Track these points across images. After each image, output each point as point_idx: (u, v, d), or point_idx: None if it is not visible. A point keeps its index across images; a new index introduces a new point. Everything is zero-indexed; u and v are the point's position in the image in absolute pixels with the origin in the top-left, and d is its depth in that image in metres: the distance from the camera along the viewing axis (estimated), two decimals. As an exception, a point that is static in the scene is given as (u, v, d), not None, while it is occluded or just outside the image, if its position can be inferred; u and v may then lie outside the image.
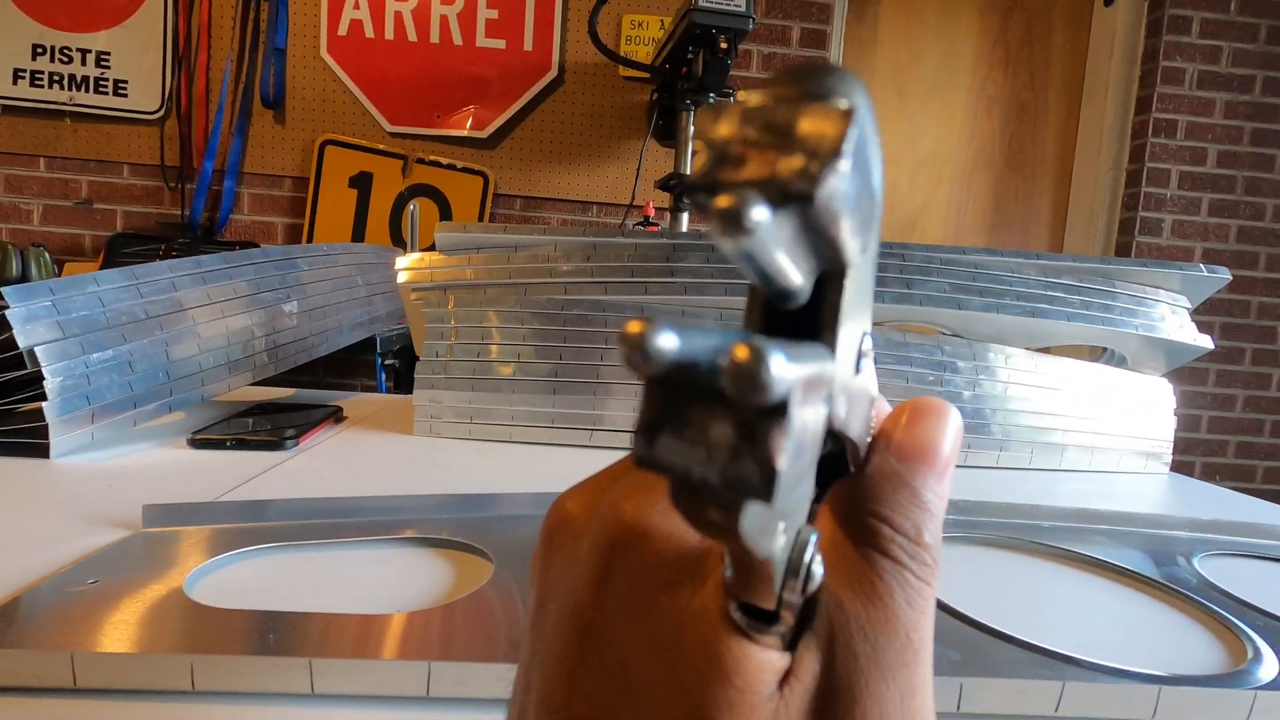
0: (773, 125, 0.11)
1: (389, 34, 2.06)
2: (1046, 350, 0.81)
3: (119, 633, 0.30)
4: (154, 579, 0.35)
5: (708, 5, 1.42)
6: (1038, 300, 0.76)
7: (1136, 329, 0.77)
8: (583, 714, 0.13)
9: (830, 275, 0.13)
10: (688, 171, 1.68)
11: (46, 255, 1.90)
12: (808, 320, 0.13)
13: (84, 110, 2.00)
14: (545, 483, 0.58)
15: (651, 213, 1.79)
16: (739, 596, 0.13)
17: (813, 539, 0.13)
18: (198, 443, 0.64)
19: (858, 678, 0.13)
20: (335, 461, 0.63)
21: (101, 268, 1.75)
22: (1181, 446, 2.26)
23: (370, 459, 0.65)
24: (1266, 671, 0.33)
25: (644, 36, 2.08)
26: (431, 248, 0.79)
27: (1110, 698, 0.30)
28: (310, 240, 2.07)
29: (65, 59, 1.98)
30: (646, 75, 1.92)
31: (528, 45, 2.08)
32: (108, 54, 1.99)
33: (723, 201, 0.10)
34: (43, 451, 0.59)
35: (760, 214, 0.10)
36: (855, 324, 0.13)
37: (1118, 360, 0.84)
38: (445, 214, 2.09)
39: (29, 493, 0.51)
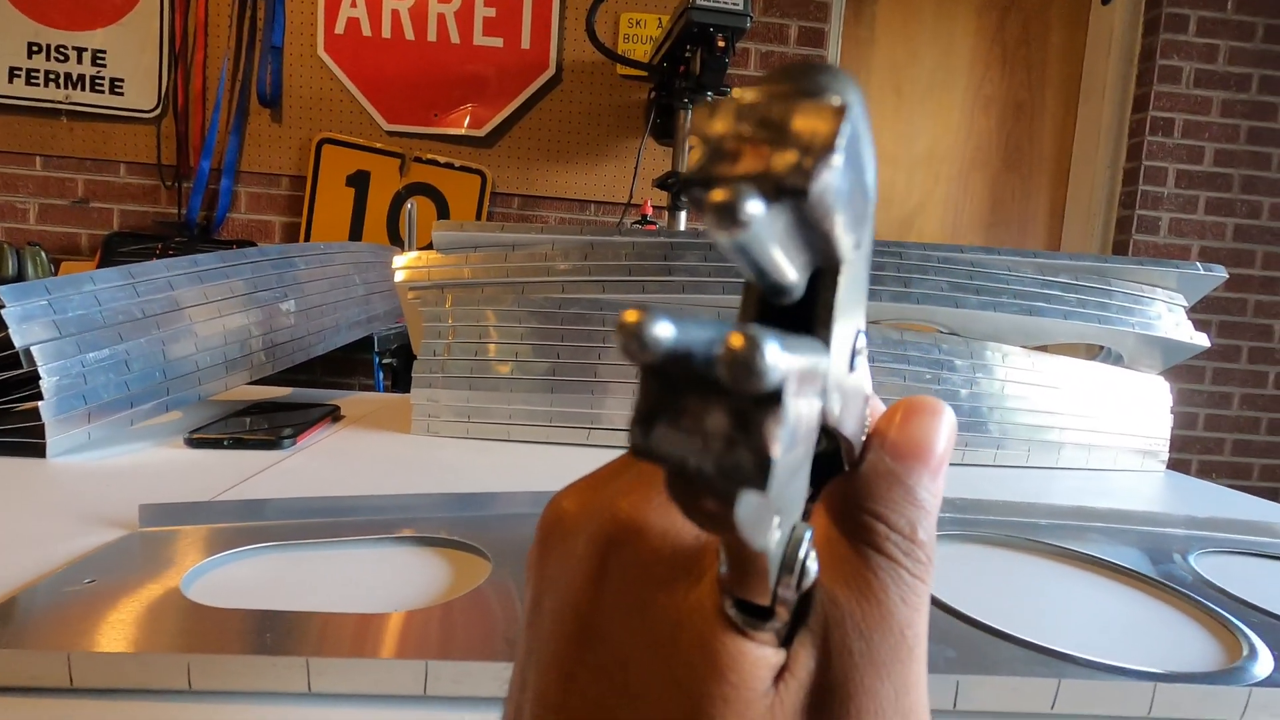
0: (767, 121, 0.11)
1: (386, 32, 2.05)
2: (1043, 348, 0.81)
3: (116, 632, 0.30)
4: (151, 578, 0.35)
5: (705, 3, 1.42)
6: (1035, 299, 0.77)
7: (1133, 327, 0.78)
8: (579, 711, 0.13)
9: (824, 272, 0.13)
10: (685, 169, 1.68)
11: (43, 254, 1.90)
12: (802, 316, 0.13)
13: (80, 109, 2.00)
14: (543, 481, 0.58)
15: (649, 211, 1.79)
16: (734, 593, 0.13)
17: (807, 535, 0.13)
18: (195, 442, 0.64)
19: (852, 674, 0.13)
20: (333, 461, 0.63)
21: (98, 267, 1.75)
22: (1178, 444, 2.26)
23: (368, 458, 0.65)
24: (1262, 668, 0.33)
25: (641, 35, 2.08)
26: (429, 246, 0.79)
27: (1106, 695, 0.30)
28: (308, 239, 2.06)
29: (61, 57, 1.98)
30: (644, 74, 1.92)
31: (525, 43, 2.08)
32: (104, 52, 1.99)
33: (718, 195, 0.10)
34: (39, 451, 0.58)
35: (755, 208, 0.10)
36: (849, 320, 0.13)
37: (1114, 358, 0.84)
38: (443, 213, 2.09)
39: (25, 492, 0.51)
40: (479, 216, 2.09)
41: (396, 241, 2.06)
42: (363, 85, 2.06)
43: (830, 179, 0.10)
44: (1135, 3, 2.25)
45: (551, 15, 2.07)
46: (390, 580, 0.38)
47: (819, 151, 0.10)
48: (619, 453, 0.16)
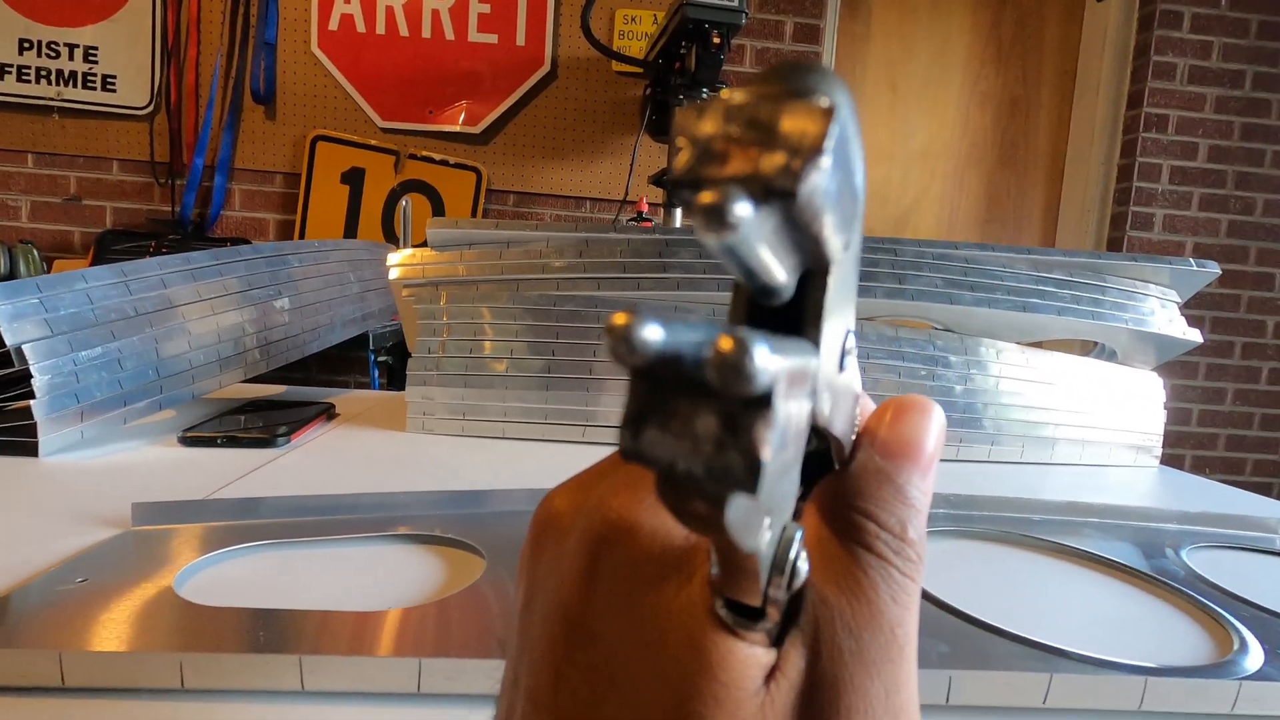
0: (755, 122, 0.11)
1: (380, 28, 2.05)
2: (1038, 344, 0.81)
3: (108, 631, 0.30)
4: (144, 577, 0.35)
5: (700, 0, 1.41)
6: (1029, 295, 0.77)
7: (1127, 323, 0.78)
8: (570, 709, 0.13)
9: (813, 273, 0.13)
10: (673, 170, 1.68)
11: (35, 252, 1.89)
12: (791, 317, 0.13)
13: (72, 105, 1.98)
14: (538, 479, 0.58)
15: (645, 208, 1.79)
16: (725, 593, 0.13)
17: (798, 535, 0.13)
18: (188, 440, 0.64)
19: (843, 673, 0.13)
20: (327, 459, 0.63)
21: (91, 265, 1.74)
22: (1172, 440, 2.27)
23: (362, 456, 0.65)
24: (1252, 661, 0.33)
25: (637, 31, 2.08)
26: (424, 244, 0.79)
27: (1097, 689, 0.30)
28: (302, 236, 2.06)
29: (52, 54, 1.96)
30: (639, 70, 1.92)
31: (520, 40, 2.07)
32: (95, 48, 1.98)
33: (706, 197, 0.10)
34: (31, 450, 0.58)
35: (743, 209, 0.10)
36: (839, 321, 0.13)
37: (1108, 354, 0.85)
38: (438, 210, 2.09)
39: (17, 491, 0.50)
40: (474, 214, 2.09)
41: (391, 239, 2.05)
42: (357, 82, 2.05)
43: (819, 180, 0.10)
44: (1130, -1, 2.26)
45: (546, 11, 2.06)
46: (384, 578, 0.38)
47: (807, 153, 0.10)
48: (613, 450, 0.16)
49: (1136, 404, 0.80)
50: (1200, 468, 2.31)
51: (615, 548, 0.14)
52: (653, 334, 0.10)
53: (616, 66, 2.06)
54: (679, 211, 1.68)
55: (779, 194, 0.10)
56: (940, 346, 0.77)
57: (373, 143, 2.06)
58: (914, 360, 0.76)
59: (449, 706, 0.28)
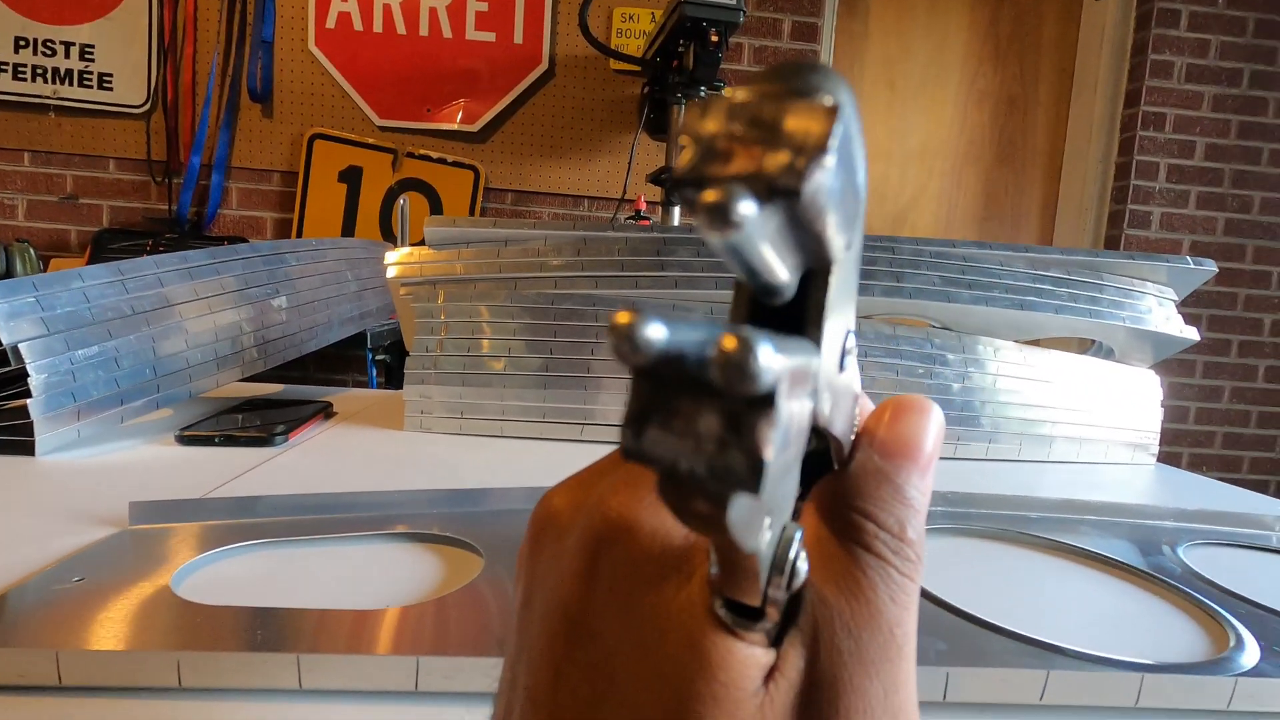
0: (759, 121, 0.11)
1: (378, 27, 2.04)
2: (1035, 343, 0.82)
3: (104, 630, 0.30)
4: (141, 576, 0.35)
5: (698, -2, 1.41)
6: (1026, 293, 0.77)
7: (1124, 321, 0.78)
8: (568, 708, 0.13)
9: (815, 272, 0.13)
10: (677, 169, 1.68)
11: (31, 251, 1.88)
12: (793, 317, 0.13)
13: (68, 104, 1.98)
14: (536, 477, 0.58)
15: (643, 206, 1.79)
16: (724, 593, 0.13)
17: (798, 536, 0.13)
18: (186, 439, 0.64)
19: (841, 673, 0.13)
20: (325, 457, 0.63)
21: (88, 264, 1.73)
22: (1169, 438, 2.28)
23: (360, 454, 0.65)
24: (1248, 658, 0.33)
25: (635, 29, 2.07)
26: (421, 242, 0.79)
27: (1094, 686, 0.30)
28: (299, 235, 2.05)
29: (49, 52, 1.96)
30: (637, 68, 1.92)
31: (518, 38, 2.07)
32: (92, 47, 1.97)
33: (710, 196, 0.10)
34: (28, 449, 0.58)
35: (747, 208, 0.10)
36: (839, 320, 0.13)
37: (1105, 352, 0.85)
38: (436, 208, 2.08)
39: (14, 491, 0.50)
40: (472, 212, 2.09)
41: (389, 237, 2.05)
42: (354, 80, 2.05)
43: (823, 180, 0.10)
44: (1127, -3, 2.26)
45: (544, 10, 2.06)
46: (382, 576, 0.38)
47: (811, 152, 0.10)
48: (612, 448, 0.16)
49: (1134, 402, 0.80)
50: (1197, 465, 2.31)
51: (615, 546, 0.14)
52: (656, 333, 0.10)
53: (614, 65, 2.06)
54: (677, 210, 1.68)
55: (783, 193, 0.10)
56: (938, 345, 0.77)
57: (370, 141, 2.06)
58: (912, 358, 0.76)
59: (447, 705, 0.28)
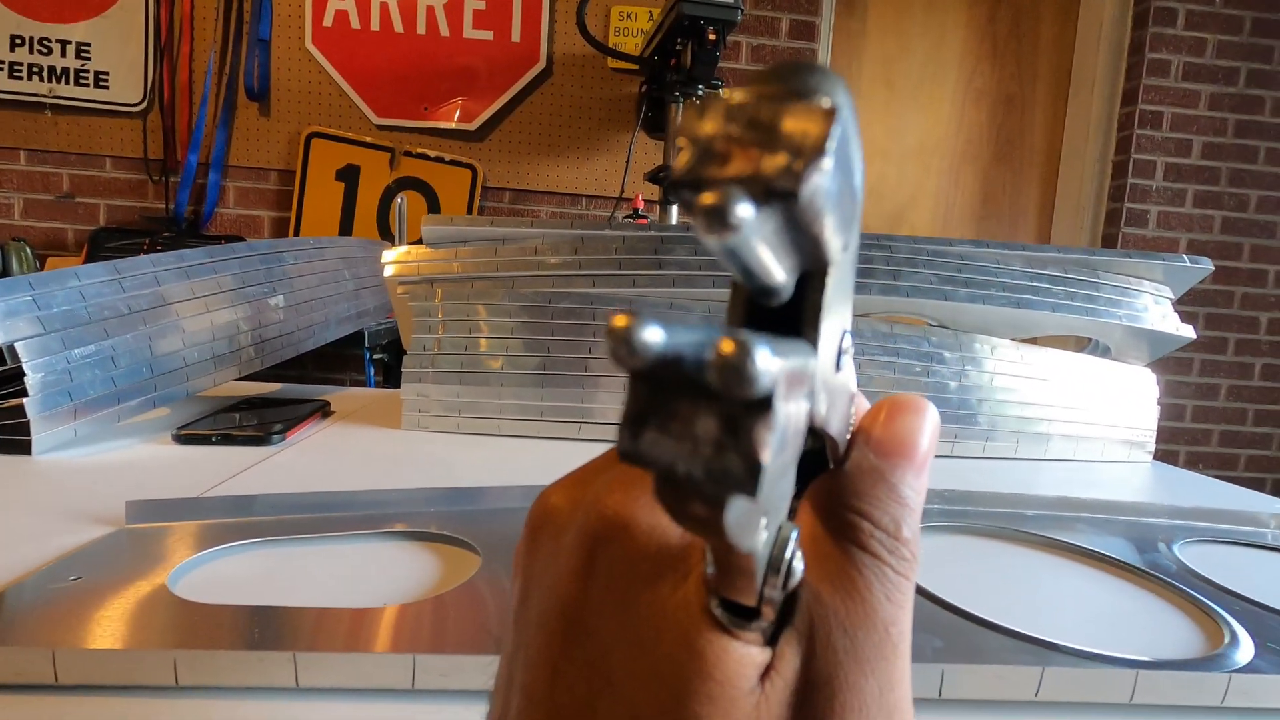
0: (756, 123, 0.11)
1: (375, 25, 2.04)
2: (1032, 341, 0.82)
3: (101, 629, 0.30)
4: (138, 575, 0.35)
5: (696, -4, 1.41)
6: (1023, 291, 0.77)
7: (1120, 319, 0.78)
8: (565, 706, 0.13)
9: (812, 273, 0.13)
10: (674, 170, 1.68)
11: (28, 250, 1.88)
12: (789, 318, 0.13)
13: (64, 102, 1.97)
14: (533, 476, 0.58)
15: (640, 205, 1.79)
16: (720, 592, 0.13)
17: (794, 535, 0.13)
18: (183, 438, 0.64)
19: (837, 672, 0.13)
20: (322, 456, 0.63)
21: (84, 262, 1.73)
22: (1166, 436, 2.28)
23: (358, 453, 0.64)
24: (1243, 655, 0.33)
25: (632, 28, 2.07)
26: (419, 241, 0.79)
27: (1089, 682, 0.31)
28: (297, 234, 2.05)
29: (44, 50, 1.95)
30: (635, 67, 1.91)
31: (515, 37, 2.06)
32: (88, 45, 1.96)
33: (708, 198, 0.10)
34: (25, 448, 0.58)
35: (745, 210, 0.10)
36: (836, 321, 0.13)
37: (1102, 350, 0.85)
38: (433, 207, 2.08)
39: (11, 490, 0.50)
40: (470, 211, 2.08)
41: (387, 236, 2.05)
42: (352, 78, 2.04)
43: (820, 182, 0.10)
44: (1124, -4, 2.26)
45: (542, 8, 2.06)
46: (379, 575, 0.38)
47: (809, 154, 0.10)
48: (609, 446, 0.16)
49: (1130, 400, 0.80)
50: (1194, 463, 2.32)
51: (612, 545, 0.14)
52: (653, 336, 0.10)
53: (612, 63, 2.06)
54: (674, 208, 1.68)
55: (780, 195, 0.10)
56: (935, 343, 0.77)
57: (368, 140, 2.06)
58: (909, 357, 0.76)
59: (444, 703, 0.28)
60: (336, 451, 0.65)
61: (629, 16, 2.07)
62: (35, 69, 1.95)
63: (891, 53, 2.32)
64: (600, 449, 0.16)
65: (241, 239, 2.03)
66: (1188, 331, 0.80)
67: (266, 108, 2.04)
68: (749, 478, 0.10)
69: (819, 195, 0.10)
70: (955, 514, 0.53)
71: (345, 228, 2.07)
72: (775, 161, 0.10)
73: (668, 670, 0.12)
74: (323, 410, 0.78)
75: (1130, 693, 0.31)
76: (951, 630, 0.34)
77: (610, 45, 2.02)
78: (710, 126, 0.11)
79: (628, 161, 1.80)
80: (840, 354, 0.14)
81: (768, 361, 0.09)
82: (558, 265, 0.75)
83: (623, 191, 1.87)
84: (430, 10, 2.04)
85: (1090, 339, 0.85)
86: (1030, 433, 0.77)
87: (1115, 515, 0.55)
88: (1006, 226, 2.41)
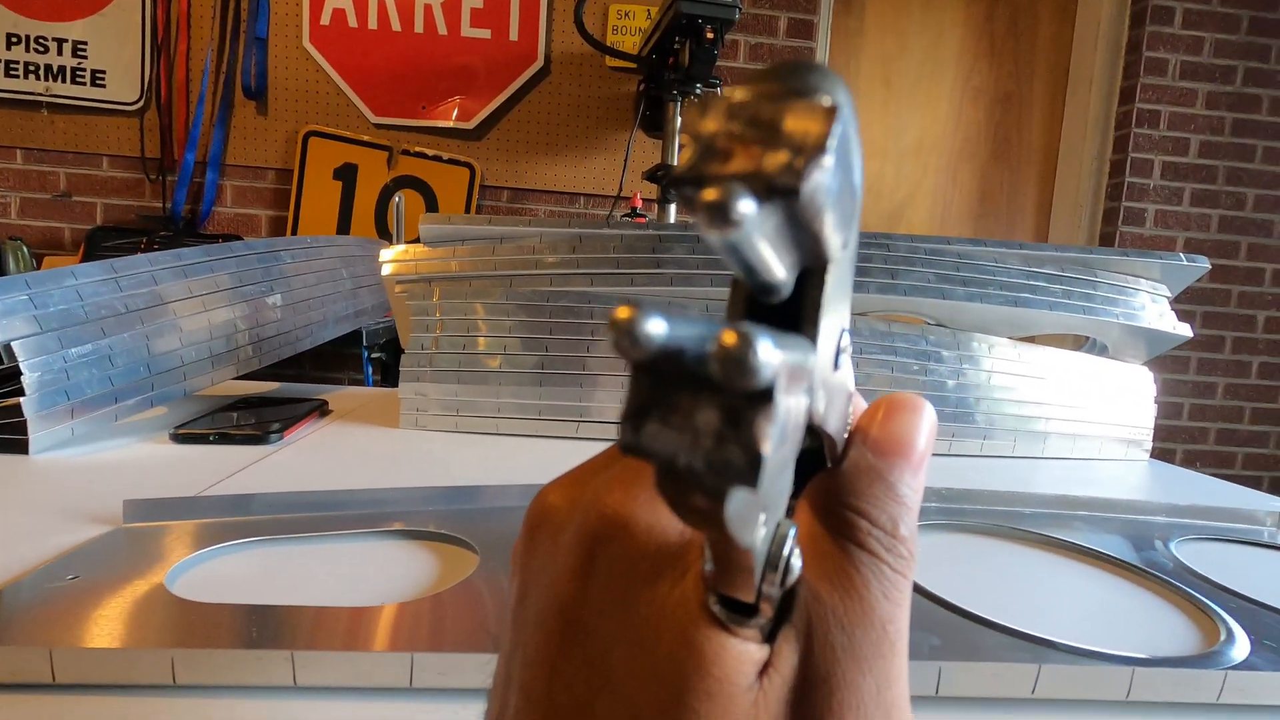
0: (758, 120, 0.11)
1: (372, 23, 2.03)
2: (1030, 339, 0.82)
3: (99, 628, 0.30)
4: (135, 574, 0.35)
5: (694, -5, 1.41)
6: (1021, 290, 0.77)
7: (1118, 318, 0.78)
8: (564, 704, 0.13)
9: (811, 270, 0.13)
10: (675, 163, 1.68)
11: (24, 249, 1.87)
12: (789, 315, 0.13)
13: (61, 101, 1.97)
14: (532, 474, 0.58)
15: (639, 204, 1.79)
16: (719, 589, 0.13)
17: (792, 532, 0.13)
18: (180, 437, 0.64)
19: (835, 669, 0.13)
20: (320, 455, 0.63)
21: (81, 262, 1.72)
22: (1163, 434, 2.29)
23: (356, 452, 0.64)
24: (1239, 652, 0.33)
25: (630, 27, 2.07)
26: (417, 240, 0.79)
27: (1085, 679, 0.31)
28: (294, 233, 2.05)
29: (41, 48, 1.95)
30: (633, 66, 1.91)
31: (513, 35, 2.06)
32: (84, 43, 1.96)
33: (709, 195, 0.10)
34: (22, 448, 0.58)
35: (746, 207, 0.10)
36: (835, 319, 0.13)
37: (1099, 349, 0.85)
38: (431, 206, 2.08)
39: (8, 489, 0.50)
40: (468, 210, 2.08)
41: (385, 235, 2.04)
42: (349, 77, 2.04)
43: (821, 179, 0.10)
44: (1122, -5, 2.26)
45: (539, 6, 2.05)
46: (377, 574, 0.38)
47: (810, 152, 0.10)
48: (607, 445, 0.16)
49: (1127, 398, 0.80)
50: (1191, 462, 2.32)
51: (610, 543, 0.14)
52: (656, 328, 0.10)
53: (610, 62, 2.06)
54: (672, 207, 1.68)
55: (782, 192, 0.10)
56: (933, 341, 0.77)
57: (365, 138, 2.06)
58: (906, 355, 0.76)
59: (442, 701, 0.28)
60: (334, 451, 0.65)
61: (627, 15, 2.07)
62: (32, 67, 1.94)
63: (889, 51, 2.32)
64: (598, 448, 0.16)
65: (239, 238, 2.03)
66: (1185, 330, 0.81)
67: (264, 106, 2.04)
68: (750, 469, 0.10)
69: (820, 192, 0.10)
70: (952, 512, 0.53)
71: (343, 226, 2.07)
72: (777, 159, 0.10)
73: (666, 667, 0.12)
74: (320, 409, 0.78)
75: (1127, 690, 0.31)
76: (948, 628, 0.34)
77: (608, 44, 2.02)
78: (712, 124, 0.11)
79: (626, 160, 1.80)
80: (838, 352, 0.14)
81: (769, 353, 0.09)
82: (556, 264, 0.75)
83: (621, 190, 1.87)
84: (428, 9, 2.04)
85: (1088, 337, 0.85)
86: (1027, 431, 0.77)
87: (1112, 513, 0.55)
88: (1004, 225, 2.41)
